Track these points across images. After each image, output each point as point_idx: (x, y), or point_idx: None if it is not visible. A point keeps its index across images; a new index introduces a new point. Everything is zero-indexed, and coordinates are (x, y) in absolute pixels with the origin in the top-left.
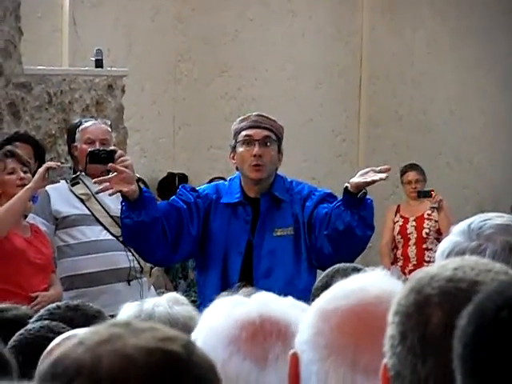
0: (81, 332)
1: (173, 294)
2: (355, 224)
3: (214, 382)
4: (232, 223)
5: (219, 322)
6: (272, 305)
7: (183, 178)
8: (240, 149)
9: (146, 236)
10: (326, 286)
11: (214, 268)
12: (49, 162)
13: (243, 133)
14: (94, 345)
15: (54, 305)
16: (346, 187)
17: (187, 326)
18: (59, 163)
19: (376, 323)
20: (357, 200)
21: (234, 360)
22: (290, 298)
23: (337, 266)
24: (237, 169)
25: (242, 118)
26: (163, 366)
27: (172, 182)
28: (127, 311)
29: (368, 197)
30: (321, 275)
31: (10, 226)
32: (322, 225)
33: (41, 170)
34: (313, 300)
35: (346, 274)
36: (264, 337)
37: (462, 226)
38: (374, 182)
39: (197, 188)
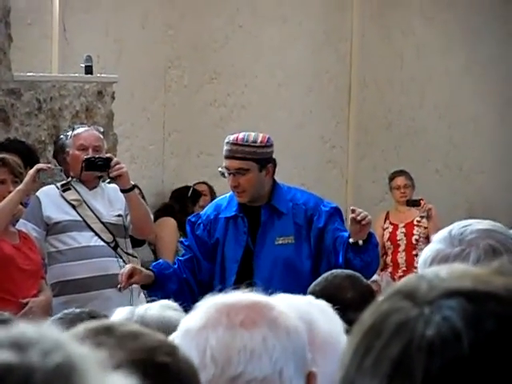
0: None
1: (165, 301)
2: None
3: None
4: (229, 234)
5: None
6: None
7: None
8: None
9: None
10: (323, 289)
11: (216, 279)
12: (39, 164)
13: (223, 162)
14: None
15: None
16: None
17: None
18: (49, 165)
19: None
20: (361, 247)
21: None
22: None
23: (333, 271)
24: None
25: (226, 140)
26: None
27: (185, 194)
28: (119, 315)
29: (373, 236)
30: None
31: (0, 227)
32: (331, 256)
33: (31, 171)
34: None
35: (342, 278)
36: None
37: (443, 233)
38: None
39: (200, 213)
